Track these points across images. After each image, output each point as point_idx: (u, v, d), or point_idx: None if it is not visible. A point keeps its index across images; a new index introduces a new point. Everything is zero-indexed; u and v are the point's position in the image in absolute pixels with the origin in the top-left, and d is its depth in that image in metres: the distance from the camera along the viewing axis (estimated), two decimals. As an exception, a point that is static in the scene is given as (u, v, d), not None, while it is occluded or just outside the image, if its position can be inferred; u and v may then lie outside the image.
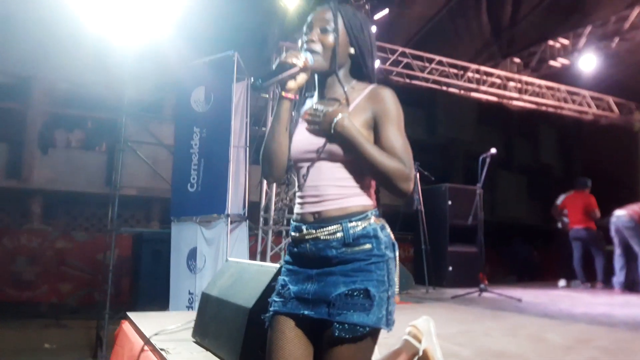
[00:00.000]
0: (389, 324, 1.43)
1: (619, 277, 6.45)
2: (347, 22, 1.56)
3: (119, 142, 6.57)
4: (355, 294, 1.39)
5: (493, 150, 5.51)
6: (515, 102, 9.03)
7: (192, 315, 2.57)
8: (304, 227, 1.50)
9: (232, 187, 5.30)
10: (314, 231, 1.47)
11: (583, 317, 4.15)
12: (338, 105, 1.53)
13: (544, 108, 9.34)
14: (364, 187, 1.51)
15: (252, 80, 1.55)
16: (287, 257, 1.57)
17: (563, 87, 9.26)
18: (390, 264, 1.47)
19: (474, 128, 16.19)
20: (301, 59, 1.49)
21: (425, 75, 8.09)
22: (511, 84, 8.89)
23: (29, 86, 11.35)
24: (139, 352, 2.15)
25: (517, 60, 8.88)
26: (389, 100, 1.49)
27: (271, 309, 1.52)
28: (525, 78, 8.91)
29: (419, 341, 1.75)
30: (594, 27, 7.78)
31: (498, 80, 8.75)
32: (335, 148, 1.47)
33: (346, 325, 1.36)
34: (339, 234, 1.45)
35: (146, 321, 2.54)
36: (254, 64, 6.32)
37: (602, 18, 7.57)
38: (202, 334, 2.25)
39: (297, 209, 1.56)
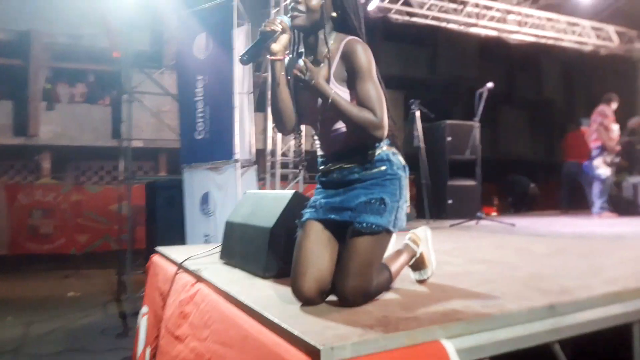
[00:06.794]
0: (396, 226, 1.75)
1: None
2: None
3: (125, 94, 6.67)
4: (372, 201, 1.70)
5: (490, 84, 5.58)
6: (514, 36, 9.00)
7: (214, 246, 2.85)
8: (329, 162, 1.81)
9: (238, 133, 5.45)
10: (337, 163, 1.78)
11: (569, 234, 4.45)
12: (320, 66, 1.73)
13: (543, 40, 9.30)
14: None
15: (239, 57, 1.76)
16: (318, 185, 1.88)
17: (563, 17, 9.18)
18: (402, 181, 1.78)
19: (476, 64, 16.12)
20: (277, 23, 1.70)
21: (424, 11, 8.07)
22: (510, 17, 8.82)
23: (28, 41, 11.33)
24: (174, 275, 2.41)
25: (516, -8, 8.80)
26: (359, 54, 1.69)
27: (304, 217, 1.82)
28: (524, 10, 8.83)
29: (417, 245, 2.02)
30: (594, -47, 7.69)
31: (497, 14, 8.69)
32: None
33: (364, 223, 1.67)
34: (359, 162, 1.75)
35: (174, 252, 2.80)
36: (253, 8, 6.33)
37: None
38: (229, 255, 2.53)
39: (319, 151, 1.86)
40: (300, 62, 1.65)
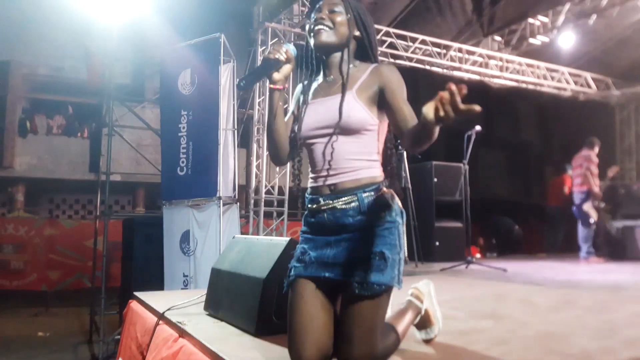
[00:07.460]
0: (399, 282, 1.57)
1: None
2: (354, 7, 1.67)
3: (105, 127, 6.50)
4: (372, 256, 1.51)
5: (478, 127, 5.61)
6: (496, 80, 9.15)
7: (197, 292, 2.66)
8: (320, 199, 1.61)
9: (221, 170, 5.32)
10: (330, 202, 1.58)
11: (566, 283, 4.37)
12: (339, 84, 1.63)
13: (524, 85, 9.49)
14: (373, 161, 1.63)
15: (237, 81, 1.64)
16: (305, 228, 1.68)
17: (542, 64, 9.41)
18: (400, 229, 1.60)
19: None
20: (282, 52, 1.60)
21: (409, 54, 8.15)
22: (492, 62, 9.00)
23: (6, 71, 11.10)
24: (154, 327, 2.22)
25: (498, 38, 9.00)
26: (393, 73, 1.62)
27: (292, 273, 1.62)
28: (506, 56, 9.03)
29: (421, 302, 1.88)
30: (572, 4, 7.91)
31: (480, 59, 8.85)
32: (348, 124, 1.58)
33: (365, 284, 1.48)
34: (354, 204, 1.56)
35: (155, 299, 2.61)
36: (239, 46, 6.29)
37: (580, -5, 7.73)
38: (215, 306, 2.33)
39: (311, 183, 1.67)
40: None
